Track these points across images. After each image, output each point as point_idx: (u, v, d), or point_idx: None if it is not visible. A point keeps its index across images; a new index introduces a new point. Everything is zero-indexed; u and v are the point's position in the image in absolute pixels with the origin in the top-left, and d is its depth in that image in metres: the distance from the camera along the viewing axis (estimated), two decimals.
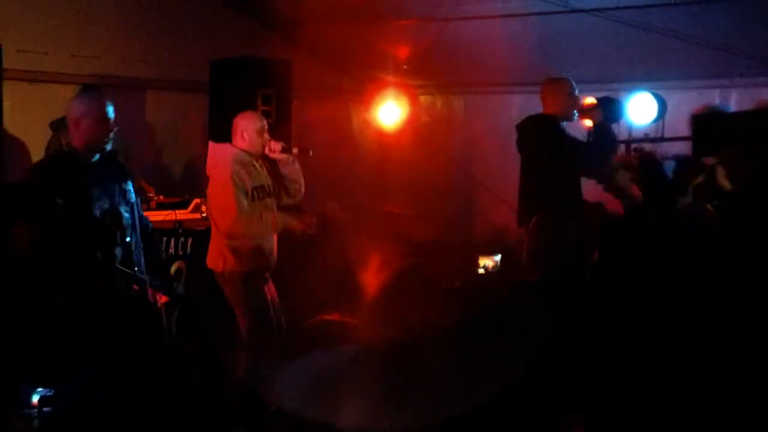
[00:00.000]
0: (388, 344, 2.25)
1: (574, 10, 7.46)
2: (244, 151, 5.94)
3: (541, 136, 6.15)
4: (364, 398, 2.25)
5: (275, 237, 6.10)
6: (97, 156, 5.11)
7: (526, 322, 2.91)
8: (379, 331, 2.45)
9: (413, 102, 9.62)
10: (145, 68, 8.26)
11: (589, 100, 6.32)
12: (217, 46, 8.22)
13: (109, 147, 5.13)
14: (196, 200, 7.05)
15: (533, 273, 3.89)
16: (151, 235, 5.45)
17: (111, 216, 5.09)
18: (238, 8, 8.76)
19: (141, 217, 5.35)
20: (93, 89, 7.32)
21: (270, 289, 6.10)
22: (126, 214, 5.16)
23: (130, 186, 5.22)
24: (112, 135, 5.15)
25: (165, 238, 6.74)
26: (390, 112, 9.34)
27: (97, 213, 5.01)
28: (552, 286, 2.90)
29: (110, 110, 5.18)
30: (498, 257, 3.41)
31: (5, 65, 6.88)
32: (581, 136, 6.52)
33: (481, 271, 3.40)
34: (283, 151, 6.04)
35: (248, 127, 5.99)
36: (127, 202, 5.19)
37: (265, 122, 6.11)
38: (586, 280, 3.04)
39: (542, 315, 2.84)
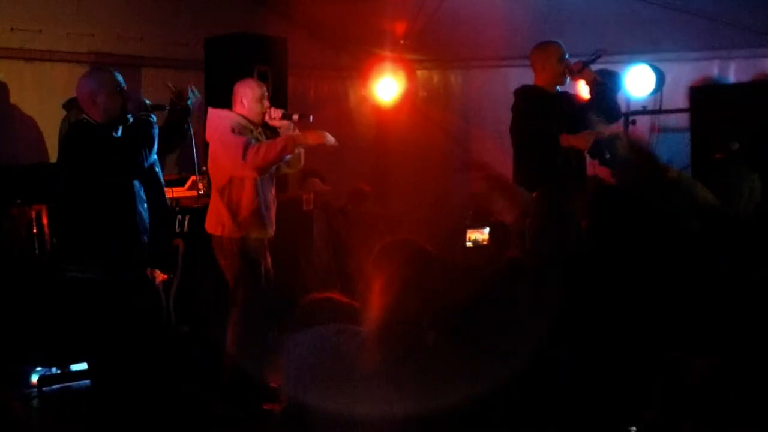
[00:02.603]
0: (387, 326, 2.22)
1: None
2: (244, 117, 5.94)
3: (526, 111, 6.05)
4: (367, 382, 2.22)
5: (274, 207, 6.08)
6: (120, 130, 5.16)
7: (530, 301, 2.89)
8: (377, 311, 2.42)
9: (410, 77, 9.59)
10: (140, 46, 8.20)
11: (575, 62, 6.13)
12: (213, 23, 8.17)
13: (131, 119, 5.20)
14: (193, 177, 7.03)
15: (531, 248, 3.87)
16: (165, 214, 5.54)
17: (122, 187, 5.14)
18: None
19: (159, 195, 5.41)
20: (103, 71, 7.31)
21: (267, 260, 6.08)
22: (138, 188, 5.23)
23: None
24: (127, 105, 5.21)
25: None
26: (387, 87, 9.32)
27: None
28: (552, 262, 2.88)
29: (121, 80, 5.22)
30: (486, 231, 3.40)
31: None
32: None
33: (469, 244, 3.39)
34: (284, 117, 6.02)
35: (248, 94, 5.97)
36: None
37: (264, 89, 6.09)
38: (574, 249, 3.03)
39: (545, 294, 2.81)
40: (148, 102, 5.31)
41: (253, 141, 5.81)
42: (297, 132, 5.95)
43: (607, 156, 4.10)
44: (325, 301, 2.59)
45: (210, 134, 6.00)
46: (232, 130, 5.80)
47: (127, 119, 5.19)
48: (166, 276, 6.36)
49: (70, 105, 7.23)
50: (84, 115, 5.17)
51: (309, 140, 5.93)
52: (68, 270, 5.09)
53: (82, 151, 5.06)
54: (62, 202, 5.23)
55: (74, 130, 5.24)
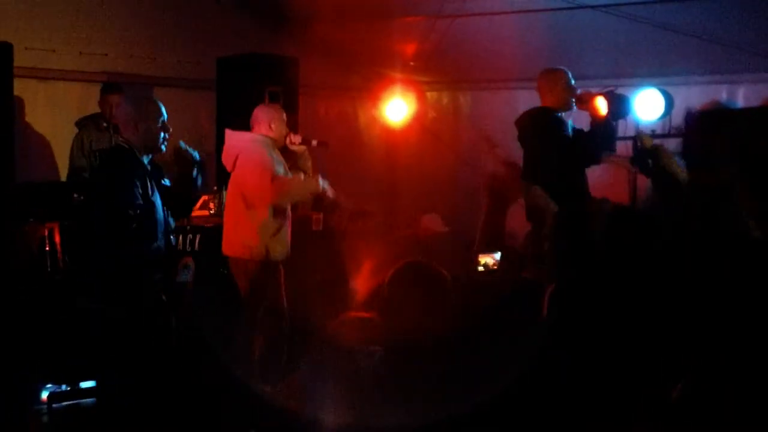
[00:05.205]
0: (394, 342, 2.25)
1: (581, 6, 7.46)
2: (268, 137, 5.99)
3: (542, 132, 6.12)
4: (370, 397, 2.25)
5: (289, 228, 6.12)
6: (149, 156, 5.29)
7: (539, 321, 2.92)
8: (385, 329, 2.45)
9: (420, 98, 9.63)
10: (152, 66, 8.28)
11: (599, 102, 6.22)
12: (224, 44, 8.23)
13: (164, 149, 5.42)
14: (204, 197, 7.07)
15: (551, 268, 3.86)
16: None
17: (149, 211, 5.23)
18: (245, 5, 8.77)
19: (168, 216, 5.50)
20: (115, 87, 7.38)
21: (282, 279, 6.13)
22: (160, 212, 5.33)
23: (167, 183, 5.48)
24: (166, 137, 5.39)
25: (173, 235, 6.75)
26: (397, 108, 9.36)
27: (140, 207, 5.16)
28: (578, 286, 2.91)
29: (164, 115, 5.32)
30: (498, 255, 3.45)
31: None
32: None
33: (480, 269, 3.43)
34: (303, 142, 6.07)
35: (276, 117, 6.04)
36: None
37: (284, 114, 6.17)
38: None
39: (562, 315, 2.84)
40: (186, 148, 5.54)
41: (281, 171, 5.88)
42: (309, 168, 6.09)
43: (650, 164, 4.18)
44: (360, 321, 2.63)
45: (229, 157, 6.01)
46: (269, 154, 5.87)
47: (160, 149, 5.36)
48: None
49: (82, 124, 7.31)
50: (121, 140, 5.36)
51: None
52: (78, 301, 5.18)
53: (116, 174, 5.21)
54: (81, 223, 5.32)
55: (113, 154, 5.45)
